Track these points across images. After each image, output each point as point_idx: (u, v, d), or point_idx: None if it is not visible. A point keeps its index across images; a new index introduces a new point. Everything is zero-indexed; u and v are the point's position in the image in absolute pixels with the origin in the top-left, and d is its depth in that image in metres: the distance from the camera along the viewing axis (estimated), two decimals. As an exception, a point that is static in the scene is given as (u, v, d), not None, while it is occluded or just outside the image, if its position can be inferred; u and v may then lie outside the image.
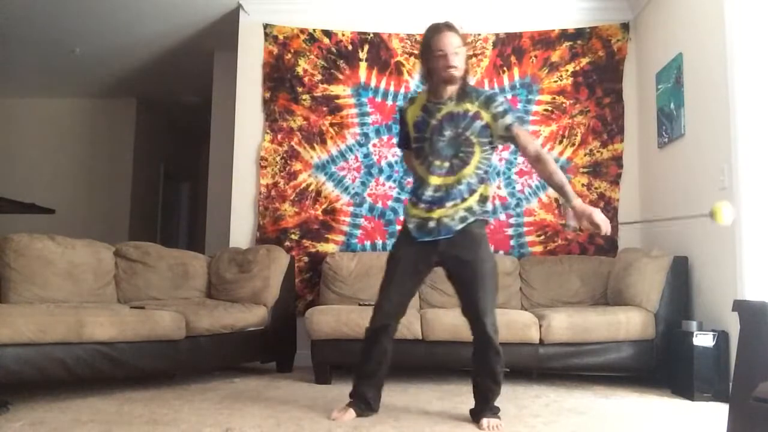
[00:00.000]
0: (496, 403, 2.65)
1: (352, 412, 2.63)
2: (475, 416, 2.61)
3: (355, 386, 2.70)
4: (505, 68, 4.57)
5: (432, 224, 2.58)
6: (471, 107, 2.58)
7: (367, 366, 2.67)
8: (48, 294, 3.42)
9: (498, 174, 4.50)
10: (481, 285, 2.56)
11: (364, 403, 2.68)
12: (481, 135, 2.57)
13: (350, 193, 4.51)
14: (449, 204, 2.57)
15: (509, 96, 4.54)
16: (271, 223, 4.50)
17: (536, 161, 2.56)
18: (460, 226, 2.57)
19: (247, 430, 2.40)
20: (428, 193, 2.58)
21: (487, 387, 2.61)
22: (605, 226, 2.44)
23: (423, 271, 2.71)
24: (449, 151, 2.57)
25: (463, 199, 2.58)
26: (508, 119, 2.56)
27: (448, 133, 2.57)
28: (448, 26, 2.62)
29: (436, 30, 2.63)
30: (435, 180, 2.58)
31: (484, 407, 2.61)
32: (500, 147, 2.60)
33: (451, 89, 2.60)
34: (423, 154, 2.63)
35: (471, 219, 2.58)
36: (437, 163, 2.58)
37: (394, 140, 4.33)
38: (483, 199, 2.62)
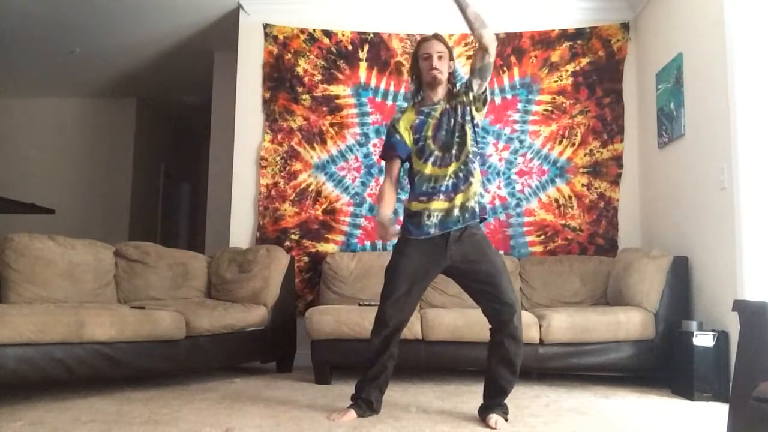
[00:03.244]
0: (507, 404, 2.65)
1: (353, 413, 2.63)
2: (484, 412, 2.61)
3: (359, 389, 2.70)
4: (505, 68, 4.57)
5: (457, 212, 2.65)
6: (458, 99, 2.74)
7: (373, 369, 2.69)
8: (48, 294, 3.42)
9: (498, 174, 4.50)
10: (503, 276, 2.64)
11: (367, 404, 2.68)
12: (467, 115, 2.73)
13: (350, 193, 4.51)
14: (463, 187, 2.68)
15: (509, 96, 4.54)
16: (271, 223, 4.50)
17: (484, 41, 2.66)
18: (468, 218, 2.66)
19: (247, 430, 2.40)
20: (444, 183, 2.68)
21: (505, 378, 2.62)
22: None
23: (431, 275, 2.73)
24: (450, 139, 2.70)
25: (470, 183, 2.69)
26: (468, 78, 2.74)
27: (449, 126, 2.71)
28: (435, 35, 2.80)
29: (423, 39, 2.84)
30: (446, 170, 2.68)
31: (495, 402, 2.62)
32: (484, 110, 2.78)
33: (441, 92, 2.76)
34: (428, 151, 2.72)
35: (479, 210, 2.69)
36: (443, 154, 2.70)
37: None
38: (480, 187, 2.76)
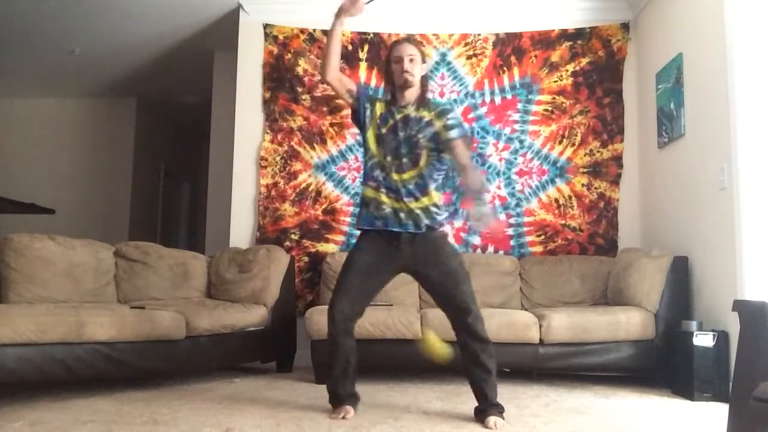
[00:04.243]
0: (500, 403, 2.65)
1: (351, 410, 2.64)
2: (480, 415, 2.61)
3: (333, 389, 2.71)
4: (505, 68, 4.57)
5: (404, 216, 2.67)
6: (427, 115, 2.73)
7: (338, 368, 2.70)
8: (48, 294, 3.42)
9: (498, 174, 4.50)
10: (457, 280, 2.66)
11: (354, 398, 2.72)
12: (431, 141, 2.70)
13: (350, 193, 4.51)
14: (407, 200, 2.67)
15: (509, 96, 4.55)
16: (271, 223, 4.50)
17: (461, 169, 2.72)
18: (424, 226, 2.66)
19: (247, 430, 2.40)
20: (395, 184, 2.69)
21: (481, 378, 2.63)
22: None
23: (384, 272, 2.73)
24: (402, 150, 2.70)
25: (416, 198, 2.68)
26: (453, 134, 2.70)
27: (402, 134, 2.71)
28: (408, 39, 2.90)
29: (395, 42, 2.92)
30: (401, 176, 2.69)
31: (486, 404, 2.61)
32: (448, 156, 2.76)
33: (409, 96, 2.75)
34: (382, 150, 2.74)
35: (430, 223, 2.68)
36: (392, 160, 2.71)
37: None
38: (436, 205, 2.72)
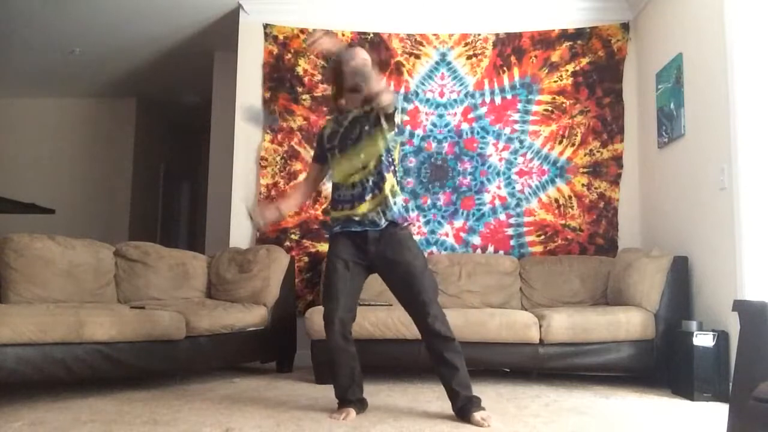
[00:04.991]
0: (476, 395, 2.66)
1: (353, 412, 2.64)
2: (463, 414, 2.60)
3: (341, 394, 2.71)
4: (505, 68, 4.57)
5: (357, 218, 2.69)
6: (369, 108, 2.72)
7: (343, 376, 2.70)
8: (48, 294, 3.42)
9: (498, 174, 4.50)
10: (417, 280, 2.66)
11: (361, 403, 2.72)
12: (376, 123, 2.69)
13: (350, 193, 4.50)
14: (368, 197, 2.68)
15: (509, 96, 4.55)
16: (271, 223, 4.49)
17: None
18: (384, 223, 2.68)
19: (247, 430, 2.40)
20: (347, 192, 2.73)
21: (450, 376, 2.63)
22: None
23: (357, 271, 2.73)
24: (357, 147, 2.72)
25: (379, 190, 2.69)
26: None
27: (354, 133, 2.74)
28: (360, 45, 2.98)
29: (348, 46, 2.96)
30: (350, 178, 2.71)
31: (462, 401, 2.62)
32: (399, 140, 2.90)
33: (357, 100, 2.74)
34: (335, 159, 2.78)
35: (392, 218, 2.69)
36: (348, 162, 2.73)
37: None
38: (394, 193, 2.72)
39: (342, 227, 2.72)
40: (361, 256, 2.71)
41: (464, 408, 2.59)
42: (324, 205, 4.50)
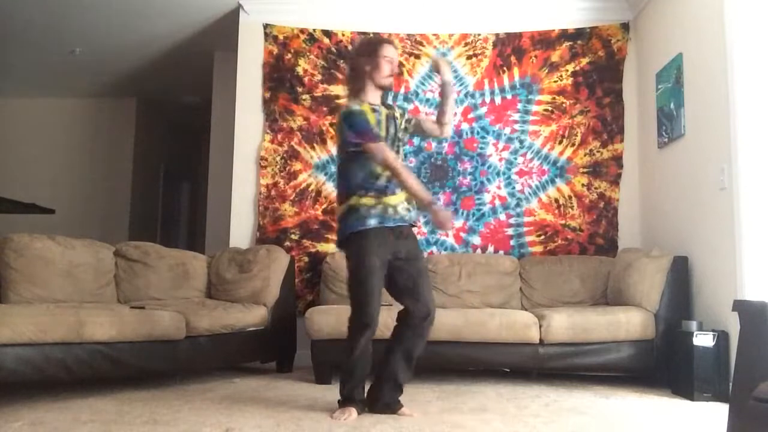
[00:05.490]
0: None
1: (354, 412, 2.64)
2: (392, 407, 2.69)
3: (349, 393, 2.70)
4: (505, 68, 4.57)
5: (390, 208, 2.71)
6: (396, 113, 2.87)
7: (358, 373, 2.71)
8: (48, 294, 3.42)
9: (498, 174, 4.50)
10: (428, 278, 2.82)
11: (363, 403, 2.72)
12: (403, 135, 2.90)
13: (350, 193, 4.50)
14: (398, 191, 2.73)
15: (509, 96, 4.55)
16: (271, 223, 4.50)
17: (440, 131, 2.95)
18: (412, 220, 2.80)
19: (247, 430, 2.40)
20: (382, 182, 2.71)
21: (404, 372, 2.73)
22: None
23: (384, 267, 2.73)
24: (395, 144, 2.81)
25: (400, 190, 2.75)
26: (413, 118, 2.97)
27: (391, 129, 2.81)
28: (394, 41, 3.00)
29: (385, 40, 2.97)
30: (385, 170, 2.72)
31: (399, 393, 2.74)
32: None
33: (381, 96, 2.84)
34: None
35: (415, 218, 2.83)
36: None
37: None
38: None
39: (379, 221, 2.67)
40: (390, 252, 2.70)
41: (397, 403, 2.72)
42: (324, 206, 4.50)
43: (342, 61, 4.59)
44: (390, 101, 2.99)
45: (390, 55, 2.77)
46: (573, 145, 4.50)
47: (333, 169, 4.53)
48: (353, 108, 2.72)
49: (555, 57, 4.56)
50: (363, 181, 2.69)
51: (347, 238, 2.71)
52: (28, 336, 2.72)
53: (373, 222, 2.66)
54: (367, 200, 2.68)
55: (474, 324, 3.47)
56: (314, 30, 4.65)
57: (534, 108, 4.54)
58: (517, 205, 4.48)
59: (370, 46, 2.85)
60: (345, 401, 2.70)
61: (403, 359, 2.72)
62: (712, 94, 3.40)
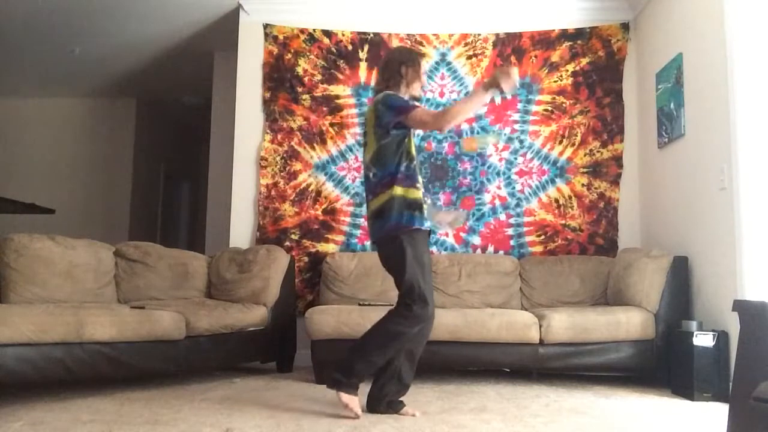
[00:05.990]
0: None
1: (360, 413, 2.63)
2: (395, 406, 2.70)
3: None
4: (505, 68, 4.56)
5: (425, 211, 2.78)
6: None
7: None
8: (48, 294, 3.42)
9: (498, 174, 4.50)
10: (431, 278, 2.82)
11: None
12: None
13: (350, 193, 4.51)
14: (418, 184, 2.80)
15: (509, 96, 4.54)
16: (271, 223, 4.50)
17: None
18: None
19: (247, 430, 2.40)
20: (416, 172, 2.77)
21: (408, 368, 2.74)
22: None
23: None
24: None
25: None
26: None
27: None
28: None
29: (420, 55, 3.08)
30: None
31: (402, 394, 2.75)
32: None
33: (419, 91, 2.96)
34: (413, 138, 2.85)
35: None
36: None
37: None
38: None
39: (427, 224, 2.73)
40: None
41: (402, 402, 2.73)
42: (324, 206, 4.49)
43: (343, 61, 4.60)
44: None
45: (423, 71, 2.97)
46: (573, 145, 4.50)
47: (333, 168, 4.53)
48: (389, 92, 2.80)
49: (555, 57, 4.56)
50: (405, 169, 2.71)
51: (400, 230, 2.66)
52: (28, 336, 2.72)
53: (427, 224, 2.75)
54: (414, 193, 2.71)
55: (474, 324, 3.47)
56: (314, 30, 4.65)
57: (534, 108, 4.54)
58: (517, 205, 4.48)
59: (412, 55, 2.92)
60: (351, 389, 2.64)
61: (407, 359, 2.72)
62: (712, 94, 3.40)
